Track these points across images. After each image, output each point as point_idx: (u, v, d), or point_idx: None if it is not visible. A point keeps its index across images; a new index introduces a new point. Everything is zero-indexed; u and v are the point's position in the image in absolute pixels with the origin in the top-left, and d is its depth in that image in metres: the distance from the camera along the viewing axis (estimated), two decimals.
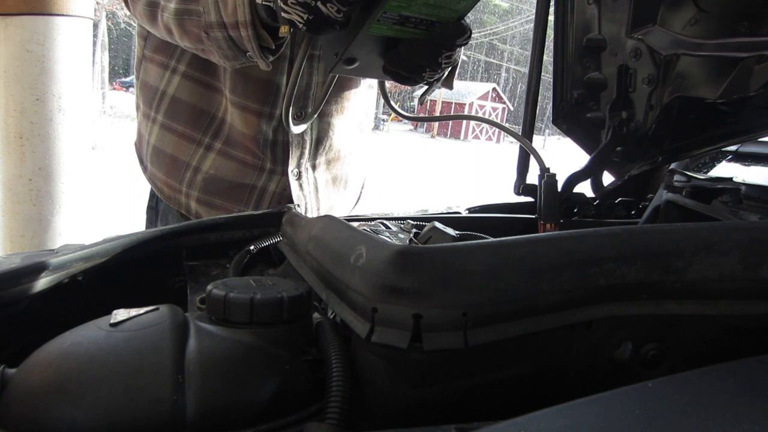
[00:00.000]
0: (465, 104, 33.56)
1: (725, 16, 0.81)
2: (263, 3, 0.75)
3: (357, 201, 1.28)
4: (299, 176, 1.07)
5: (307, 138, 1.06)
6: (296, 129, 0.99)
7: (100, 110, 17.61)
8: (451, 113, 33.96)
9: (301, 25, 0.70)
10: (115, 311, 0.43)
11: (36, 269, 0.58)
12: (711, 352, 0.46)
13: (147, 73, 1.07)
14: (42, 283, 0.58)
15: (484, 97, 34.31)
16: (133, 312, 0.43)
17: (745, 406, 0.35)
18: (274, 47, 0.82)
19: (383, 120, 32.04)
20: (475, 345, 0.40)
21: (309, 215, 1.05)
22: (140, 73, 1.09)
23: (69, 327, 0.43)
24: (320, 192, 1.12)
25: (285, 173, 1.05)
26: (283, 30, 0.78)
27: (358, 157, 1.22)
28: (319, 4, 0.67)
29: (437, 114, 33.17)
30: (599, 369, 0.45)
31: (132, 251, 0.68)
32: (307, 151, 1.07)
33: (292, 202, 1.06)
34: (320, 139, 1.08)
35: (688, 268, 0.45)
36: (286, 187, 1.06)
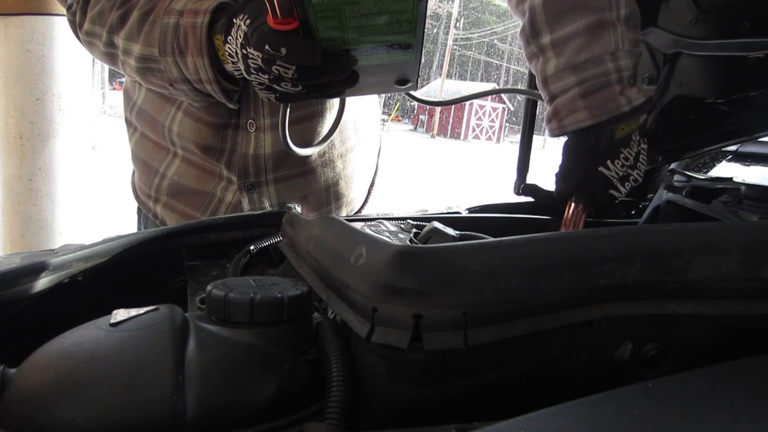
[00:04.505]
0: (465, 104, 33.54)
1: (725, 16, 0.81)
2: (232, 70, 0.78)
3: (360, 209, 1.17)
4: (251, 189, 1.00)
5: (262, 149, 0.98)
6: (302, 152, 0.92)
7: (100, 110, 17.61)
8: (452, 113, 33.93)
9: (275, 100, 0.75)
10: (115, 311, 0.43)
11: (36, 269, 0.58)
12: (711, 352, 0.46)
13: (126, 80, 1.08)
14: (42, 283, 0.58)
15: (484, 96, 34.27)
16: (133, 312, 0.43)
17: (745, 406, 0.35)
18: (239, 89, 0.84)
19: (383, 120, 32.04)
20: (475, 345, 0.40)
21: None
22: (125, 78, 1.10)
23: (69, 327, 0.43)
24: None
25: (241, 187, 1.00)
26: (263, 95, 0.79)
27: (355, 160, 1.10)
28: (275, 86, 0.70)
29: (437, 114, 33.18)
30: (599, 369, 0.45)
31: (132, 251, 0.68)
32: (264, 163, 0.99)
33: None
34: (279, 153, 0.98)
35: (688, 268, 0.45)
36: (242, 200, 1.01)
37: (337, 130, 1.04)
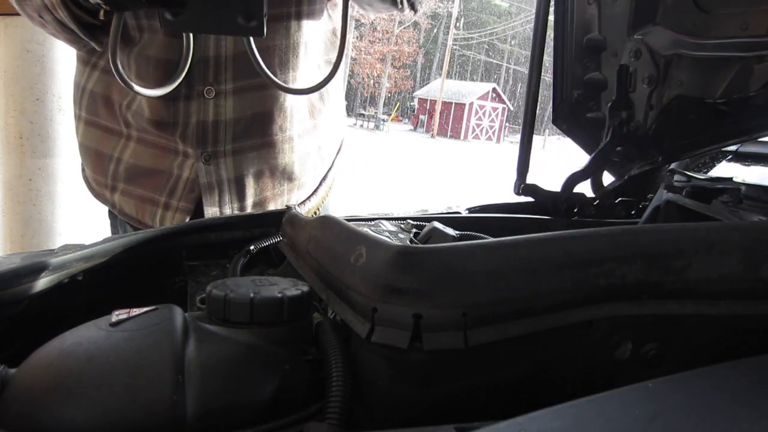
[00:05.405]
0: (465, 104, 33.58)
1: (725, 16, 0.81)
2: None
3: (309, 196, 1.16)
4: (208, 160, 0.99)
5: (222, 116, 0.97)
6: (146, 92, 0.88)
7: None
8: (452, 113, 33.93)
9: (104, 5, 0.70)
10: (115, 311, 0.43)
11: (36, 269, 0.58)
12: (711, 352, 0.46)
13: (75, 71, 1.07)
14: (42, 283, 0.58)
15: (484, 97, 34.30)
16: (133, 312, 0.43)
17: (745, 406, 0.35)
18: (100, 24, 0.80)
19: (383, 120, 32.04)
20: (475, 345, 0.40)
21: (226, 208, 1.01)
22: (74, 74, 1.10)
23: (69, 327, 0.43)
24: (247, 182, 1.03)
25: (198, 157, 0.99)
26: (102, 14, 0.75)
27: (310, 144, 1.10)
28: None
29: (437, 114, 33.19)
30: (599, 369, 0.45)
31: (132, 251, 0.68)
32: (224, 130, 0.98)
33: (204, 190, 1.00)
34: (240, 120, 0.97)
35: (688, 268, 0.45)
36: (199, 173, 1.00)
37: (295, 109, 1.03)
